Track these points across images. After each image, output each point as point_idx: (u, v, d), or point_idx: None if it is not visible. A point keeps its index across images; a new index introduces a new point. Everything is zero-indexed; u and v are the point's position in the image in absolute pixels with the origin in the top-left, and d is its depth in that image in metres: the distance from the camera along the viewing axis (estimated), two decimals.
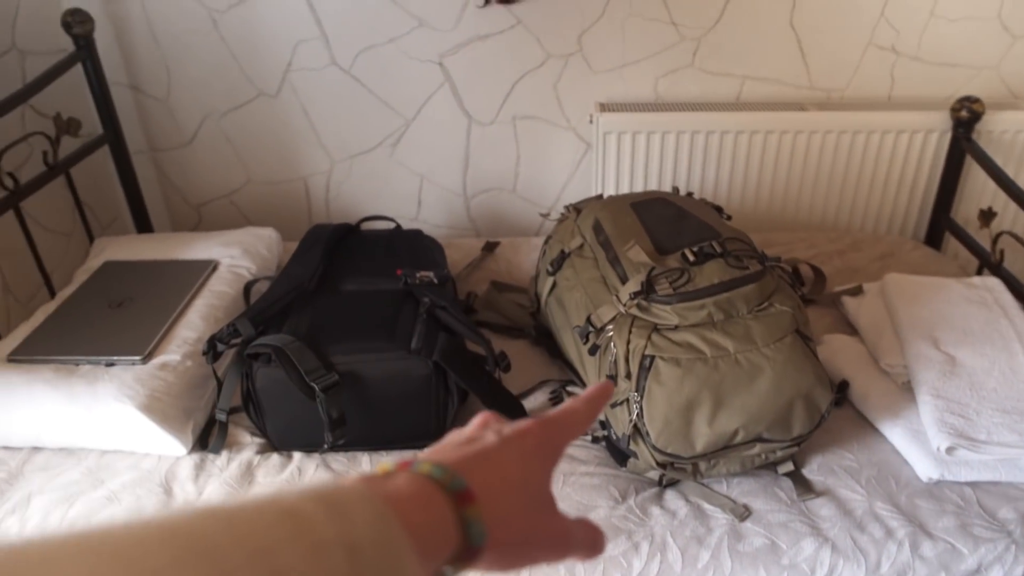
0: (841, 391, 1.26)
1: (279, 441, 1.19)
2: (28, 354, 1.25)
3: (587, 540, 0.42)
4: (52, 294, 1.59)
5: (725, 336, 1.04)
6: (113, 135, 1.80)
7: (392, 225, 1.65)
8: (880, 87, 1.92)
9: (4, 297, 1.57)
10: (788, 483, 1.10)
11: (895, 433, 1.15)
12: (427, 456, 0.38)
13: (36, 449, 1.20)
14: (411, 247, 1.51)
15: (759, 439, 1.05)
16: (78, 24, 1.66)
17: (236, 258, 1.55)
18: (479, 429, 0.42)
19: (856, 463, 1.13)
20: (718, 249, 1.12)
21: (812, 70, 1.90)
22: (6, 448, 1.21)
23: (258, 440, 1.21)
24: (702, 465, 1.09)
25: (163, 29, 1.84)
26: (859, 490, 1.08)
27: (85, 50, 1.70)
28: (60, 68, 1.63)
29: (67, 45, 1.71)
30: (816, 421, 1.07)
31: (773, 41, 1.85)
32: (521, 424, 0.41)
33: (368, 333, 1.20)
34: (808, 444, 1.15)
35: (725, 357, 1.03)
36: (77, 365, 1.23)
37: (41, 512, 1.08)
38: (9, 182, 1.46)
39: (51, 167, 1.59)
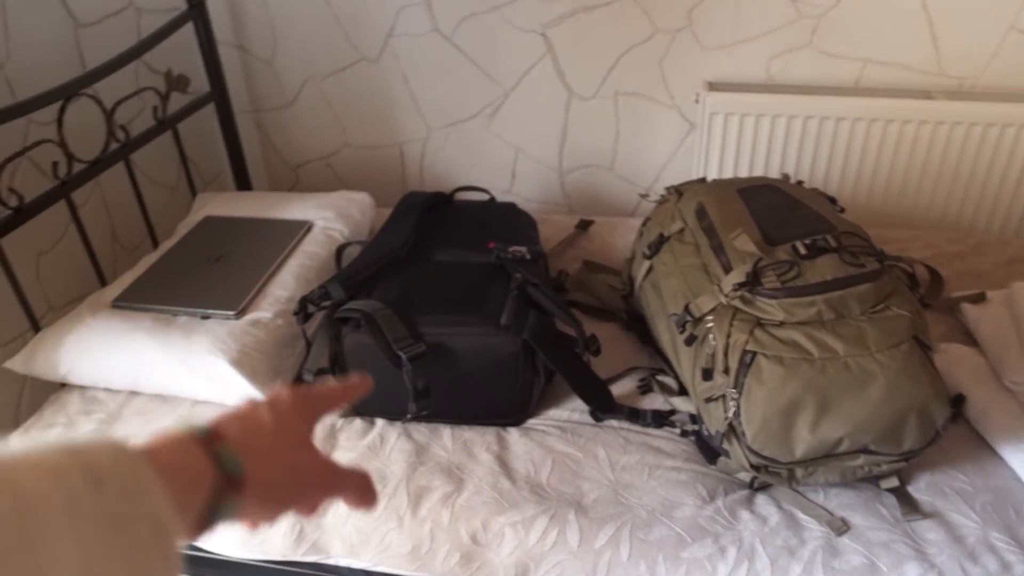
0: (956, 405, 1.16)
1: (363, 406, 1.19)
2: (130, 302, 1.30)
3: (357, 485, 0.48)
4: (155, 244, 1.64)
5: (835, 337, 0.97)
6: (219, 93, 1.83)
7: (486, 197, 1.63)
8: (1020, 76, 1.76)
9: (112, 245, 1.63)
10: (891, 500, 1.02)
11: (1017, 458, 1.06)
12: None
13: (134, 393, 1.24)
14: (504, 220, 1.48)
15: (864, 450, 0.98)
16: None
17: (330, 220, 1.56)
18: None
19: (970, 486, 1.04)
20: (832, 243, 1.04)
21: (942, 55, 1.75)
22: (107, 391, 1.26)
23: None
24: (799, 472, 1.02)
25: None
26: (972, 516, 0.99)
27: (197, 9, 1.73)
28: (173, 26, 1.66)
29: (180, 3, 1.75)
30: (930, 437, 0.98)
31: (901, 22, 1.72)
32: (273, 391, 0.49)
33: (458, 306, 1.18)
34: (916, 460, 1.07)
35: (834, 359, 0.96)
36: (175, 316, 1.26)
37: None
38: (121, 135, 1.51)
39: (160, 122, 1.63)
